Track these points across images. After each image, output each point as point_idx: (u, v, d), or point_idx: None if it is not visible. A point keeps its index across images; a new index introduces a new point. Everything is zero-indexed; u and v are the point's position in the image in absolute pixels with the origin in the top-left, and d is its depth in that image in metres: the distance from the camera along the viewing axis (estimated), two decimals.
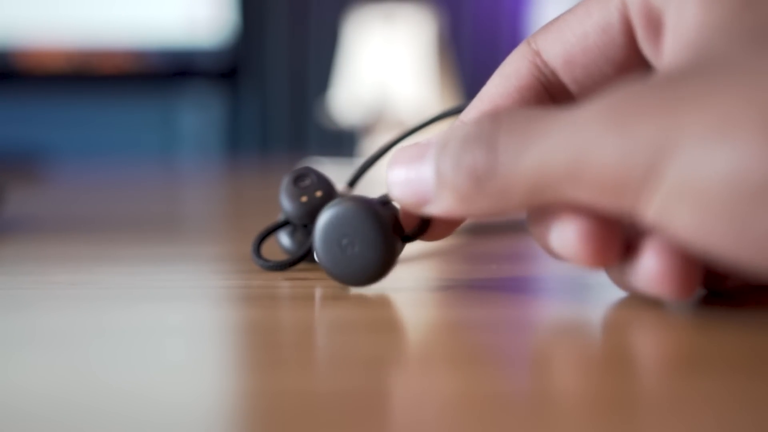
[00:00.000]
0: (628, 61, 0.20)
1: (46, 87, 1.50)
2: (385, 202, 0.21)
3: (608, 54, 0.20)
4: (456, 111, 0.26)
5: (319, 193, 0.24)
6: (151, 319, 0.18)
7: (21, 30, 1.47)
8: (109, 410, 0.12)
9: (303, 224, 0.24)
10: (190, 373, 0.14)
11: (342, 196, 0.23)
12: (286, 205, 0.24)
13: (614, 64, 0.20)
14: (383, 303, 0.20)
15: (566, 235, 0.18)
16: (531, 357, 0.16)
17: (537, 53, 0.20)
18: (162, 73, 1.50)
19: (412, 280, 0.23)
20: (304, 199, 0.24)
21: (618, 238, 0.17)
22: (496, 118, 0.18)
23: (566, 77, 0.20)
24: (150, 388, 0.13)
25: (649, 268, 0.17)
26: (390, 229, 0.20)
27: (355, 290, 0.21)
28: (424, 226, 0.21)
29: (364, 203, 0.20)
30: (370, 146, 0.94)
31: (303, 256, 0.24)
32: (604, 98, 0.16)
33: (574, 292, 0.22)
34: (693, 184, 0.14)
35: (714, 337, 0.16)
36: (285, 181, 0.24)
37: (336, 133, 1.32)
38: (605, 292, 0.21)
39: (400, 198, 0.20)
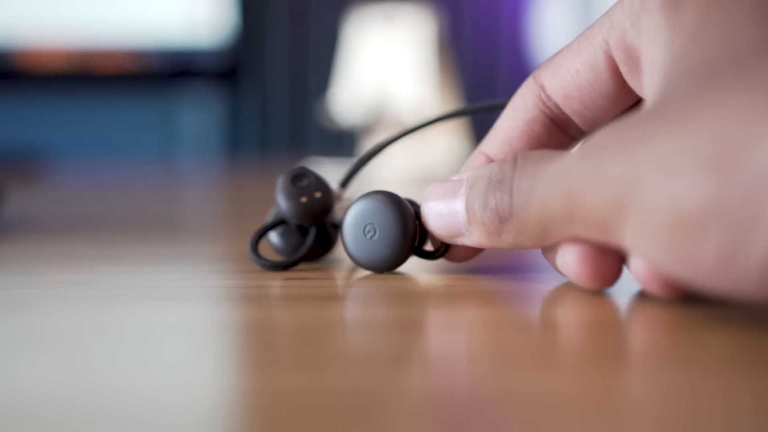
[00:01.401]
0: (620, 94, 0.21)
1: (46, 87, 1.50)
2: (411, 202, 0.23)
3: (599, 89, 0.21)
4: (452, 115, 0.27)
5: (318, 194, 0.24)
6: (152, 319, 0.18)
7: (21, 30, 1.47)
8: (109, 410, 0.12)
9: (299, 225, 0.24)
10: (190, 373, 0.14)
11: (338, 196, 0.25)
12: (285, 204, 0.24)
13: (607, 97, 0.21)
14: (384, 303, 0.20)
15: (567, 259, 0.20)
16: (534, 355, 0.16)
17: (541, 87, 0.22)
18: (162, 73, 1.50)
19: (412, 280, 0.23)
20: (303, 199, 0.24)
21: (614, 260, 0.20)
22: (512, 161, 0.20)
23: (567, 110, 0.22)
24: (150, 387, 0.13)
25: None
26: (410, 217, 0.23)
27: (355, 290, 0.21)
28: (446, 247, 0.23)
29: (391, 195, 0.23)
30: (370, 146, 0.94)
31: (303, 257, 0.24)
32: (588, 139, 0.18)
33: (581, 291, 0.22)
34: (648, 218, 0.16)
35: (714, 335, 0.16)
36: (282, 181, 0.24)
37: (336, 133, 1.32)
38: (606, 292, 0.21)
39: (436, 230, 0.22)
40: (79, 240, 0.32)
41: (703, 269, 0.16)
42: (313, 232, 0.24)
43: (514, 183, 0.19)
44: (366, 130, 0.97)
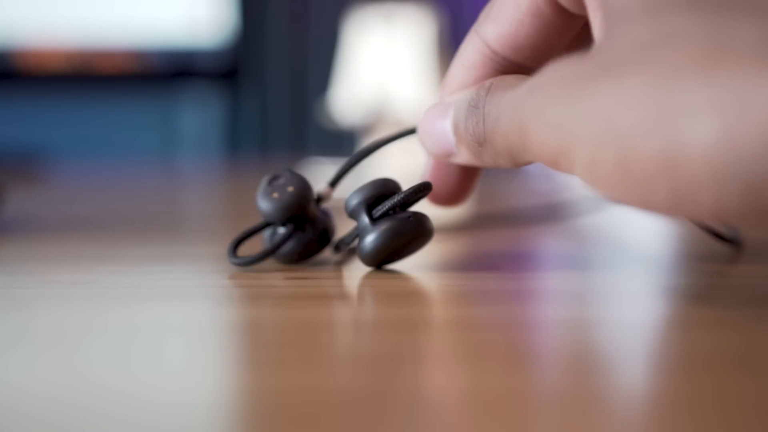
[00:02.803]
0: (570, 29, 0.22)
1: (46, 87, 1.50)
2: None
3: (548, 31, 0.22)
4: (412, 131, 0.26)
5: (290, 189, 0.24)
6: (152, 319, 0.18)
7: (21, 30, 1.47)
8: (109, 410, 0.12)
9: (281, 222, 0.24)
10: (190, 372, 0.14)
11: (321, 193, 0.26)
12: (261, 205, 0.24)
13: (559, 35, 0.22)
14: (384, 302, 0.20)
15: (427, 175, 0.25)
16: (540, 355, 0.16)
17: (486, 44, 0.22)
18: (162, 74, 1.50)
19: (412, 279, 0.23)
20: (275, 195, 0.24)
21: (465, 184, 0.25)
22: (487, 86, 0.21)
23: (520, 58, 0.22)
24: (150, 387, 0.13)
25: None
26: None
27: (354, 289, 0.21)
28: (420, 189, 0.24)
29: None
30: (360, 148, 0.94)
31: (269, 252, 0.24)
32: (538, 74, 0.19)
33: (581, 291, 0.22)
34: (595, 167, 0.17)
35: (717, 335, 0.16)
36: (261, 184, 0.24)
37: (336, 133, 1.32)
38: (606, 292, 0.21)
39: (430, 149, 0.23)
40: (79, 240, 0.32)
41: (656, 207, 0.16)
42: (289, 227, 0.24)
43: (485, 109, 0.21)
44: (366, 129, 0.97)
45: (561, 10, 0.21)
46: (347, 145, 1.34)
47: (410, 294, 0.21)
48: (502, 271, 0.24)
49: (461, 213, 0.44)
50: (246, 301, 0.20)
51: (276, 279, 0.23)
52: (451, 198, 0.26)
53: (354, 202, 0.23)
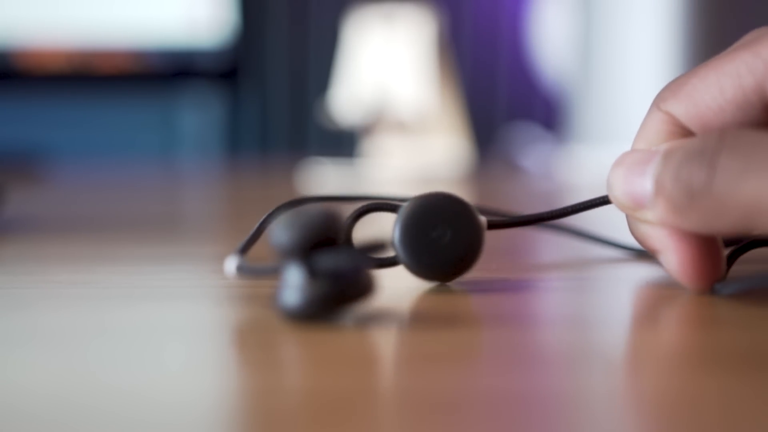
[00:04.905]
0: None
1: (46, 87, 1.49)
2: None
3: (747, 122, 0.20)
4: (370, 209, 0.22)
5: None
6: (151, 319, 0.18)
7: (21, 30, 1.47)
8: (108, 410, 0.12)
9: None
10: (189, 372, 0.14)
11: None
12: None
13: (754, 127, 0.20)
14: (384, 302, 0.20)
15: (670, 260, 0.20)
16: (536, 354, 0.16)
17: (672, 117, 0.20)
18: (162, 74, 1.50)
19: (413, 280, 0.23)
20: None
21: (715, 264, 0.20)
22: (721, 135, 0.18)
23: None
24: (150, 387, 0.13)
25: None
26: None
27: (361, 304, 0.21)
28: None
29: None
30: (370, 146, 0.94)
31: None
32: None
33: (584, 291, 0.22)
34: None
35: (719, 334, 0.16)
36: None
37: (336, 134, 1.32)
38: (608, 291, 0.21)
39: (619, 199, 0.20)
40: (79, 240, 0.32)
41: None
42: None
43: (721, 158, 0.18)
44: (366, 130, 0.97)
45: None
46: (347, 145, 1.34)
47: (412, 294, 0.21)
48: (517, 271, 0.24)
49: None
50: (246, 301, 0.20)
51: (275, 279, 0.23)
52: (705, 275, 0.20)
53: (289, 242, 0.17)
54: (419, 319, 0.18)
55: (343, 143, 1.41)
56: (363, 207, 0.21)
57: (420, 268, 0.21)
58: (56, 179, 0.84)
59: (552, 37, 1.40)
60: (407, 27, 0.98)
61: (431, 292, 0.21)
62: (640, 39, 0.95)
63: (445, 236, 0.20)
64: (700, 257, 0.19)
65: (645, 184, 0.19)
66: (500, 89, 1.47)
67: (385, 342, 0.16)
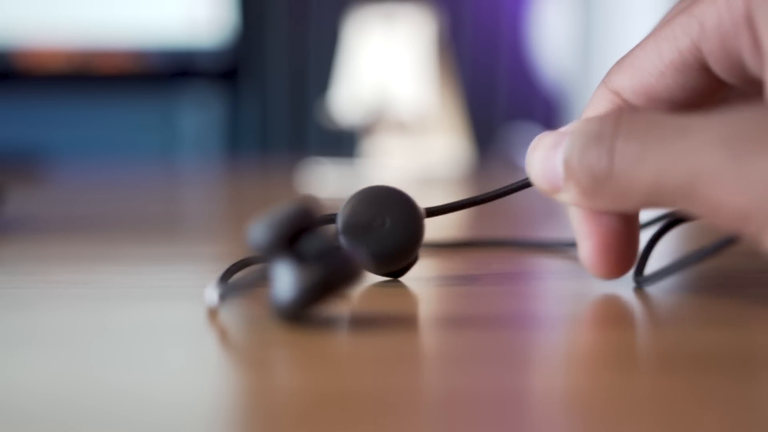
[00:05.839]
0: (714, 90, 0.20)
1: (46, 87, 1.50)
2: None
3: (689, 87, 0.20)
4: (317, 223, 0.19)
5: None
6: (152, 319, 0.18)
7: (21, 30, 1.47)
8: (109, 410, 0.12)
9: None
10: (189, 372, 0.14)
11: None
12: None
13: (700, 94, 0.20)
14: (385, 302, 0.20)
15: (583, 247, 0.20)
16: (532, 354, 0.16)
17: (616, 93, 0.21)
18: (162, 74, 1.50)
19: (413, 280, 0.23)
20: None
21: (628, 254, 0.20)
22: (617, 120, 0.18)
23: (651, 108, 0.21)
24: (150, 387, 0.13)
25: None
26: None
27: (354, 289, 0.21)
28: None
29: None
30: (370, 146, 0.94)
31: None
32: (724, 123, 0.17)
33: (577, 290, 0.22)
34: None
35: (715, 335, 0.16)
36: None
37: (336, 133, 1.32)
38: (607, 291, 0.21)
39: (537, 182, 0.20)
40: (79, 240, 0.32)
41: None
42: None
43: (617, 142, 0.18)
44: (366, 130, 0.97)
45: (706, 71, 0.20)
46: (347, 145, 1.34)
47: (412, 294, 0.21)
48: (510, 272, 0.24)
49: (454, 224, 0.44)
50: (245, 301, 0.20)
51: (264, 284, 0.23)
52: (615, 265, 0.21)
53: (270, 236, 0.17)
54: (420, 320, 0.18)
55: (343, 143, 1.41)
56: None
57: (365, 257, 0.21)
58: (56, 179, 0.84)
59: (552, 37, 1.40)
60: (407, 27, 0.98)
61: (432, 293, 0.21)
62: (639, 39, 0.94)
63: (384, 224, 0.21)
64: (613, 246, 0.20)
65: (557, 167, 0.20)
66: (500, 89, 1.47)
67: (387, 342, 0.16)
